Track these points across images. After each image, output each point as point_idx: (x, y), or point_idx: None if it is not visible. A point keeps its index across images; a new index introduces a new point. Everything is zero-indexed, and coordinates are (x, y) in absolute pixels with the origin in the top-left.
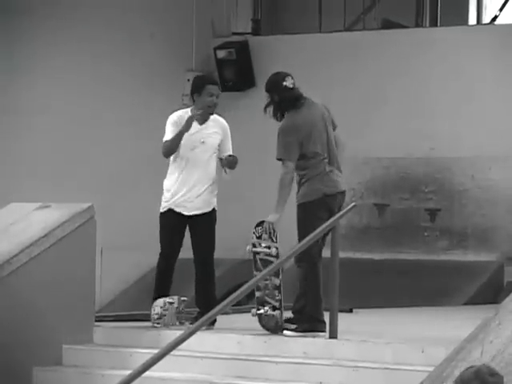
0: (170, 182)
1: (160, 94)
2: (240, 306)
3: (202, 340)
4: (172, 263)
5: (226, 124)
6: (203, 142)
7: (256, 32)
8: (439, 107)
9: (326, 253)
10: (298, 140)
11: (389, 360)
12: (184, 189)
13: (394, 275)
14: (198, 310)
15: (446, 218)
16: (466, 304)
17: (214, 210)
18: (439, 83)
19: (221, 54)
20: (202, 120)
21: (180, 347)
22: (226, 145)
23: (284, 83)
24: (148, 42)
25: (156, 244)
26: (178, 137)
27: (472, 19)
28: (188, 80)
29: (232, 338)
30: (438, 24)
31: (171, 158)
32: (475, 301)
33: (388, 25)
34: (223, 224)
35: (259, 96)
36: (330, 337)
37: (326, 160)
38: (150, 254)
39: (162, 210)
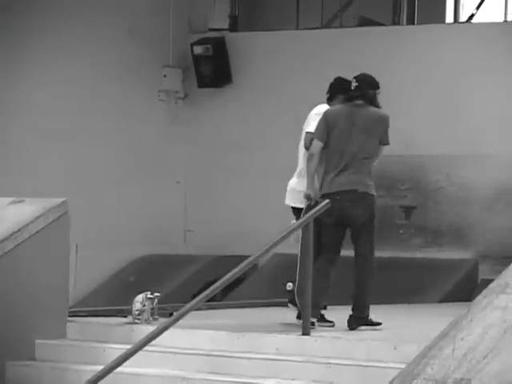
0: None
1: (137, 89)
2: (214, 302)
3: (175, 336)
4: None
5: None
6: None
7: (233, 28)
8: (415, 105)
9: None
10: (326, 127)
11: (362, 357)
12: None
13: None
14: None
15: (421, 215)
16: (440, 301)
17: None
18: (415, 81)
19: (197, 49)
20: None
21: (153, 343)
22: None
23: (352, 82)
24: (125, 37)
25: (132, 240)
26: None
27: (449, 17)
28: (165, 76)
29: (205, 334)
30: (415, 22)
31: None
32: (450, 298)
33: (365, 22)
34: (199, 222)
35: (236, 92)
36: (303, 333)
37: (335, 161)
38: (125, 250)
39: None
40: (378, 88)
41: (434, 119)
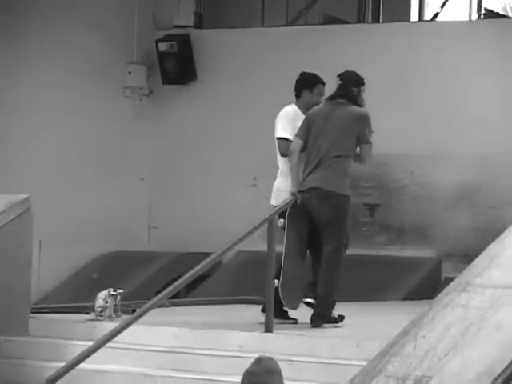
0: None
1: (101, 85)
2: (178, 299)
3: (138, 333)
4: None
5: None
6: None
7: (198, 25)
8: (380, 102)
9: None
10: (307, 125)
11: (324, 354)
12: None
13: None
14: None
15: (385, 213)
16: (404, 299)
17: None
18: (380, 79)
19: (162, 46)
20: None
21: (116, 340)
22: None
23: (336, 80)
24: (90, 34)
25: (96, 237)
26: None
27: (414, 16)
28: (129, 72)
29: (168, 331)
30: (380, 20)
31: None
32: (413, 296)
33: (330, 20)
34: (163, 219)
35: (200, 89)
36: (266, 330)
37: (311, 158)
38: (89, 247)
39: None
40: (363, 85)
41: (398, 118)
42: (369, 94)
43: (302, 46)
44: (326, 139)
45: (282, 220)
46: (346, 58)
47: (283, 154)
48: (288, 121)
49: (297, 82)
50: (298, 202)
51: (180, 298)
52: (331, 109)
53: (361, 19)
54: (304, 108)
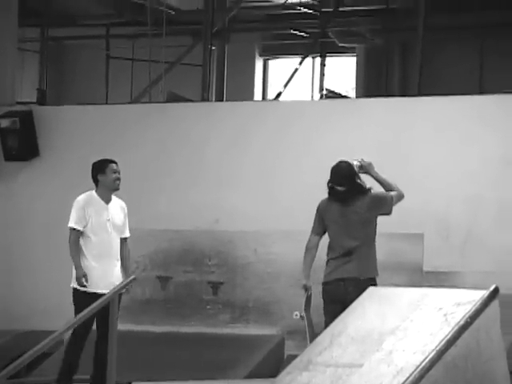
0: (84, 262)
1: None
2: (18, 379)
3: None
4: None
5: (124, 204)
6: (108, 220)
7: (41, 102)
8: (223, 179)
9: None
10: (318, 219)
11: None
12: (100, 268)
13: (175, 348)
14: None
15: (229, 291)
16: (246, 377)
17: None
18: (225, 157)
19: (4, 123)
20: (107, 199)
21: None
22: (126, 224)
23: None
24: None
25: None
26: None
27: (258, 95)
28: None
29: None
30: (224, 99)
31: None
32: (256, 374)
33: (174, 98)
34: (6, 296)
35: (43, 166)
36: None
37: (337, 251)
38: None
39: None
40: (351, 165)
41: (244, 195)
42: (214, 171)
43: (146, 122)
44: (348, 235)
45: (297, 312)
46: (188, 135)
47: (70, 243)
48: (76, 209)
49: (91, 173)
50: (309, 293)
51: (20, 377)
52: (343, 207)
53: (205, 97)
54: (107, 191)
